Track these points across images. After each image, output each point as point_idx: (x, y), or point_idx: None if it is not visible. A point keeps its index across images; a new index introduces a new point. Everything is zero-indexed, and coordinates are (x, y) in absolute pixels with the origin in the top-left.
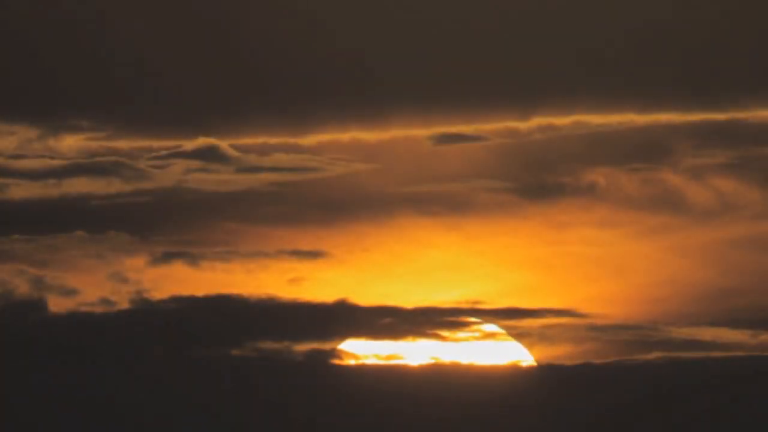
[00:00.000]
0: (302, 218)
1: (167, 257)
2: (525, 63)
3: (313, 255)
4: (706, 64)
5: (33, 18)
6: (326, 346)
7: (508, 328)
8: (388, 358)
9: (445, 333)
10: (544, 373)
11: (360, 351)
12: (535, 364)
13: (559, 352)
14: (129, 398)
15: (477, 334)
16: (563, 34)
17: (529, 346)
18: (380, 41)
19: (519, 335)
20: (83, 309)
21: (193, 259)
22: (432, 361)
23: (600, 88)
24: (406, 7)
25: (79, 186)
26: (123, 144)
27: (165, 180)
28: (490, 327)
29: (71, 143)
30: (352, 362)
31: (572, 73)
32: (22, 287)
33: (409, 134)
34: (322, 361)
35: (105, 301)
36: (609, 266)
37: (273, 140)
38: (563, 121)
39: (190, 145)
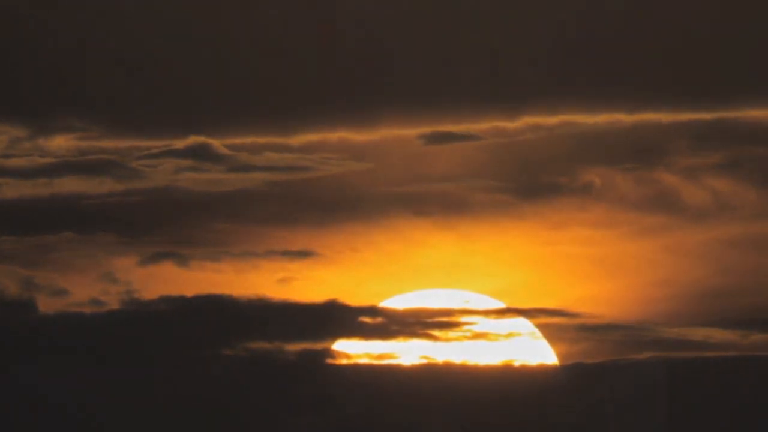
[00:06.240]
0: (292, 218)
1: (157, 257)
2: (511, 62)
3: (304, 255)
4: (696, 62)
5: (23, 17)
6: (317, 346)
7: (501, 328)
8: (380, 357)
9: (437, 333)
10: (536, 372)
11: (351, 351)
12: (527, 363)
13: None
14: (119, 398)
15: (469, 334)
16: (550, 33)
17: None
18: (368, 41)
19: (511, 335)
20: (73, 309)
21: (182, 260)
22: (424, 361)
23: (586, 88)
24: (392, 7)
25: (70, 185)
26: (114, 143)
27: (156, 179)
28: (484, 326)
29: (61, 142)
30: (344, 362)
31: (557, 72)
32: (11, 287)
33: (398, 134)
34: (314, 361)
35: (95, 302)
36: (603, 266)
37: (261, 140)
38: (551, 120)
39: (181, 143)
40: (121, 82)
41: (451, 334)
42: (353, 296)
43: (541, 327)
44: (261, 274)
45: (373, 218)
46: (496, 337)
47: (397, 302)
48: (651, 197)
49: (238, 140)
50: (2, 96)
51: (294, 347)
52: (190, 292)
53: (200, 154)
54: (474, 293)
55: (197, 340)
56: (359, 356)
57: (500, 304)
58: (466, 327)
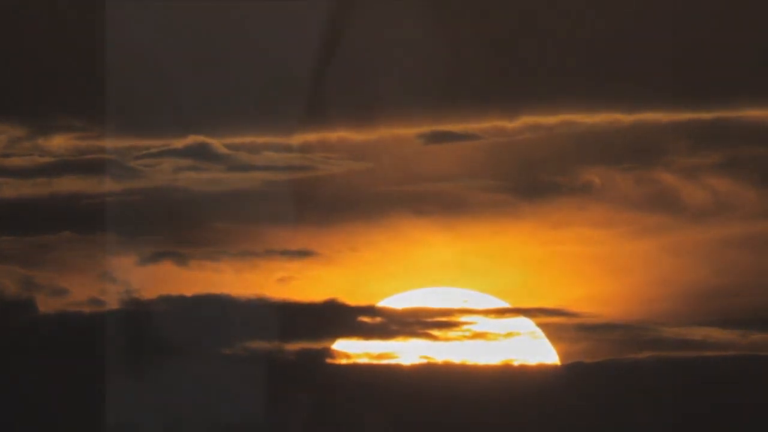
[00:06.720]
0: (292, 218)
1: (157, 257)
2: (508, 61)
3: (303, 254)
4: (695, 62)
5: (21, 16)
6: (317, 345)
7: (500, 328)
8: (380, 357)
9: (436, 332)
10: (536, 372)
11: (351, 351)
12: (527, 363)
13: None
14: (118, 398)
15: (468, 334)
16: (550, 33)
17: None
18: (365, 40)
19: (511, 335)
20: (72, 309)
21: (182, 259)
22: (424, 361)
23: (586, 87)
24: (390, 6)
25: (69, 185)
26: (113, 143)
27: (155, 179)
28: (483, 326)
29: (61, 142)
30: (343, 362)
31: (555, 71)
32: (11, 287)
33: (397, 133)
34: (314, 360)
35: (94, 301)
36: (603, 266)
37: (260, 140)
38: (550, 120)
39: (180, 143)
40: (120, 82)
41: (450, 333)
42: (352, 296)
43: (541, 327)
44: (260, 273)
45: (373, 218)
46: (495, 336)
47: (397, 302)
48: (650, 197)
49: (237, 139)
50: (2, 95)
51: (293, 347)
52: (189, 291)
53: (199, 153)
54: (474, 293)
55: (197, 340)
56: (359, 356)
57: (500, 304)
58: (465, 327)
